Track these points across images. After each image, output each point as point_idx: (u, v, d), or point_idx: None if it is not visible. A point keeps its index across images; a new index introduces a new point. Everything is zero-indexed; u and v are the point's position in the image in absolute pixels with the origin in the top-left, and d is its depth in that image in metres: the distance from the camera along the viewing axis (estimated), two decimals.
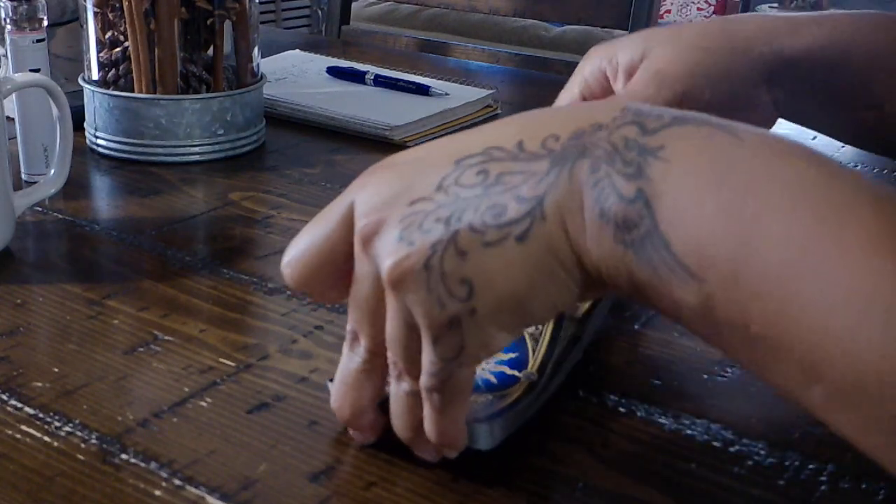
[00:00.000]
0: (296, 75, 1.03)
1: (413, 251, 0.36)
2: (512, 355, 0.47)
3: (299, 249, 0.41)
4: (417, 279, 0.36)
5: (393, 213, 0.38)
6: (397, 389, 0.40)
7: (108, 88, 0.80)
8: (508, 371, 0.46)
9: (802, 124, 0.61)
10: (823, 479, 0.42)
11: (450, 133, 0.90)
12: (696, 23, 0.60)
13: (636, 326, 0.55)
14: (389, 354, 0.39)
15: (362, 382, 0.42)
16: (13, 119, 0.75)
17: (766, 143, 0.35)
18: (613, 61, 0.59)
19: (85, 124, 0.83)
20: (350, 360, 0.42)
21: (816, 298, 0.31)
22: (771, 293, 0.31)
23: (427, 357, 0.38)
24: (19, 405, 0.46)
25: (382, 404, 0.42)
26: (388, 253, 0.37)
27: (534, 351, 0.47)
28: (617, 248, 0.35)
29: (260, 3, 0.87)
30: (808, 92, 0.57)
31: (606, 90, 0.60)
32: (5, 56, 0.76)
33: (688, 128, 0.35)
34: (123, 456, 0.43)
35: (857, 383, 0.30)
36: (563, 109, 0.40)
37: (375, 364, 0.41)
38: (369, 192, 0.39)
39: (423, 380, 0.38)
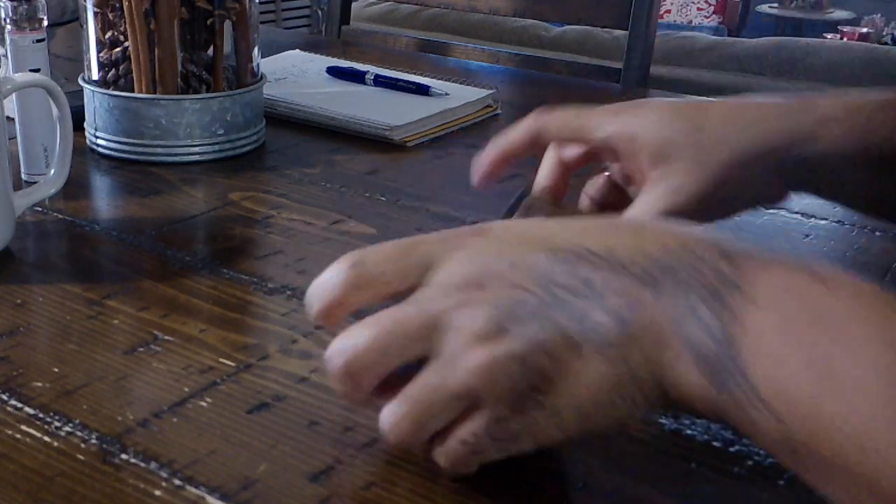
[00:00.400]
0: (296, 75, 1.03)
1: (509, 341, 0.37)
2: None
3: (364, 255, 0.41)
4: (503, 371, 0.37)
5: (489, 292, 0.38)
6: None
7: (108, 88, 0.81)
8: None
9: (816, 196, 0.60)
10: None
11: (450, 133, 0.91)
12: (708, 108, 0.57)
13: None
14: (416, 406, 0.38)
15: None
16: (13, 119, 0.75)
17: (854, 291, 0.35)
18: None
19: (85, 124, 0.83)
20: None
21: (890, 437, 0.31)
22: (849, 431, 0.32)
23: (472, 428, 0.38)
24: (19, 405, 0.46)
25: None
26: (484, 337, 0.37)
27: None
28: (701, 380, 0.35)
29: (260, 3, 0.87)
30: (824, 183, 0.55)
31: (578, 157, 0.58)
32: (5, 56, 0.76)
33: (775, 268, 0.36)
34: (123, 456, 0.43)
35: None
36: (649, 225, 0.40)
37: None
38: (463, 258, 0.39)
39: (452, 445, 0.39)
